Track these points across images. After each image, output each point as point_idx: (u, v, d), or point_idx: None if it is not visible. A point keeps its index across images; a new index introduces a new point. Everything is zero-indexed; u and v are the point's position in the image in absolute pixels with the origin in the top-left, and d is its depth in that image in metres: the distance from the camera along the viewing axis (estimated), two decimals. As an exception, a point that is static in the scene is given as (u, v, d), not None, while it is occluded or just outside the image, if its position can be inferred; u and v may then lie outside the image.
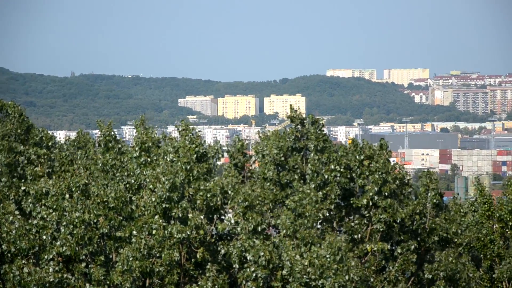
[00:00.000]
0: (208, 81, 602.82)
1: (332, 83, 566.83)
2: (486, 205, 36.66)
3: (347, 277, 25.06)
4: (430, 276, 27.76)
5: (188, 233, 26.64)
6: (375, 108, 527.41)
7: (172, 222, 27.18)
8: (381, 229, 27.54)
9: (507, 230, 36.05)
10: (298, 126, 30.46)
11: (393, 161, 30.48)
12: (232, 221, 27.42)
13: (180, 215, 27.24)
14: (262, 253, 26.39)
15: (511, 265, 33.26)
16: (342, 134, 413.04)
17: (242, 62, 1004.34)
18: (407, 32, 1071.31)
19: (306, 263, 25.60)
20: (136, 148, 29.75)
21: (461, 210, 30.19)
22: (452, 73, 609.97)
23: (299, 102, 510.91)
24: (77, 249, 26.40)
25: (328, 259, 25.44)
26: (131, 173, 29.28)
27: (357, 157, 28.76)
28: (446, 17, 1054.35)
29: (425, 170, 32.11)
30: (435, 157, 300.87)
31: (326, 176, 28.19)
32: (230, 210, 28.19)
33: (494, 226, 36.33)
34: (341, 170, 28.23)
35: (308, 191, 27.70)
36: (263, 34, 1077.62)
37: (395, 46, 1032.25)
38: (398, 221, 27.44)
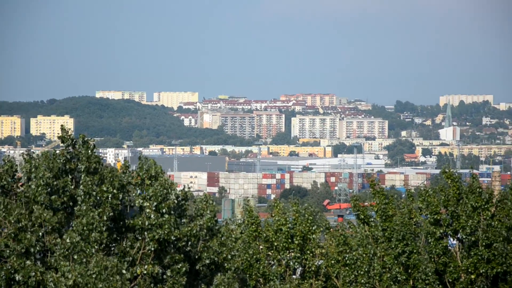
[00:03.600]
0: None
1: (101, 104, 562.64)
2: (253, 226, 37.91)
3: None
4: None
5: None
6: (144, 131, 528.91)
7: None
8: (154, 248, 27.34)
9: (272, 250, 37.42)
10: (69, 147, 29.55)
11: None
12: (2, 243, 26.59)
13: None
14: (33, 273, 25.88)
15: (276, 286, 34.38)
16: (112, 156, 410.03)
17: (6, 81, 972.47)
18: (177, 55, 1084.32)
19: (70, 283, 25.26)
20: None
21: (233, 235, 30.81)
22: (221, 97, 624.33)
23: (67, 124, 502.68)
24: None
25: (94, 279, 25.16)
26: None
27: (140, 174, 28.47)
28: (213, 42, 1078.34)
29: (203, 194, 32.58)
30: (204, 179, 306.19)
31: (98, 198, 27.59)
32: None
33: (260, 247, 37.58)
34: (115, 191, 27.77)
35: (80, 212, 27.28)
36: (29, 52, 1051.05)
37: (165, 69, 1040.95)
38: (171, 241, 27.39)
